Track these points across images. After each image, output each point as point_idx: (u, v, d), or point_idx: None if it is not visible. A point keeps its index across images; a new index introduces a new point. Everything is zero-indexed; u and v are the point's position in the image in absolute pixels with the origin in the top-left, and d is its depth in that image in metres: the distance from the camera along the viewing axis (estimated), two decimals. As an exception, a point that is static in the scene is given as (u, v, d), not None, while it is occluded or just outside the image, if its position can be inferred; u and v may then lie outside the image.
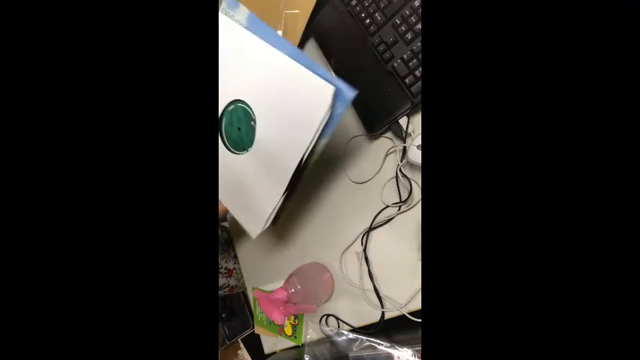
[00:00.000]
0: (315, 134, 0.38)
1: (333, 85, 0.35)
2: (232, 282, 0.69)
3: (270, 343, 0.66)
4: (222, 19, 0.43)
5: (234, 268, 0.70)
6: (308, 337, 0.57)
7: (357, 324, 0.53)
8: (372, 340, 0.49)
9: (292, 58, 0.38)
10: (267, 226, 0.49)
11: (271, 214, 0.47)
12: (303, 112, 0.38)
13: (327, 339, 0.54)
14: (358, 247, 0.53)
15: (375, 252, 0.52)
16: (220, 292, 0.70)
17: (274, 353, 0.65)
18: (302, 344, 0.58)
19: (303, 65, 0.37)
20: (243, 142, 0.47)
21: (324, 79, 0.36)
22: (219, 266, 0.69)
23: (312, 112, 0.37)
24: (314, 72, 0.36)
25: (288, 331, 0.61)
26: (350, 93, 0.36)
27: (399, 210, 0.49)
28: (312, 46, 0.61)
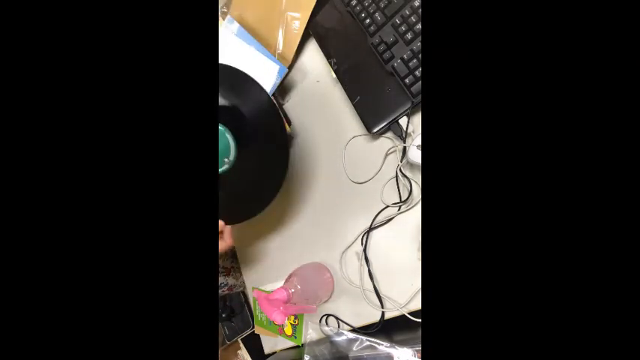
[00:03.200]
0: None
1: (277, 64, 0.59)
2: (230, 281, 0.69)
3: (270, 343, 0.66)
4: (222, 31, 0.62)
5: (233, 267, 0.70)
6: (308, 337, 0.57)
7: (357, 324, 0.53)
8: (372, 340, 0.49)
9: (258, 51, 0.60)
10: None
11: None
12: (260, 79, 0.56)
13: (327, 339, 0.54)
14: (358, 247, 0.53)
15: (375, 252, 0.52)
16: (219, 291, 0.70)
17: (274, 353, 0.65)
18: (302, 344, 0.58)
19: (263, 54, 0.60)
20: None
21: (273, 62, 0.59)
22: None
23: (266, 79, 0.59)
24: (269, 58, 0.60)
25: (288, 331, 0.61)
26: (283, 70, 0.59)
27: (399, 210, 0.49)
28: (312, 46, 0.61)
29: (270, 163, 0.52)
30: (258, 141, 0.51)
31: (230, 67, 0.52)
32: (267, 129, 0.51)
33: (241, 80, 0.52)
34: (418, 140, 0.45)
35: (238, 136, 0.51)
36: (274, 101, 0.52)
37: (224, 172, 0.51)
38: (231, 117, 0.51)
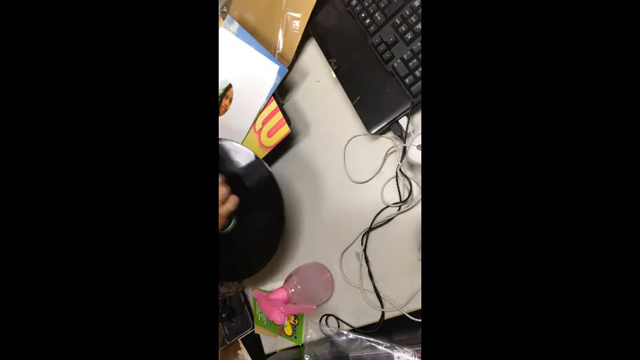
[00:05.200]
0: (267, 94, 0.60)
1: (277, 64, 0.59)
2: (223, 289, 0.70)
3: (270, 343, 0.66)
4: (222, 31, 0.62)
5: None
6: (308, 337, 0.57)
7: (357, 324, 0.53)
8: (372, 340, 0.49)
9: (258, 51, 0.60)
10: None
11: None
12: (260, 79, 0.60)
13: (327, 339, 0.54)
14: (358, 247, 0.53)
15: (375, 252, 0.52)
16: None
17: (274, 353, 0.65)
18: (302, 344, 0.58)
19: (263, 54, 0.59)
20: None
21: (273, 62, 0.59)
22: None
23: (266, 79, 0.59)
24: (268, 58, 0.59)
25: (288, 331, 0.61)
26: (284, 70, 0.58)
27: (399, 210, 0.49)
28: (312, 46, 0.61)
29: (266, 231, 0.55)
30: (256, 211, 0.53)
31: (232, 142, 0.56)
32: (266, 199, 0.54)
33: (242, 155, 0.55)
34: (418, 140, 0.45)
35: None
36: (272, 172, 0.54)
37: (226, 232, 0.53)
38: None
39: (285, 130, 0.57)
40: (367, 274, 0.51)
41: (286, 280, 0.50)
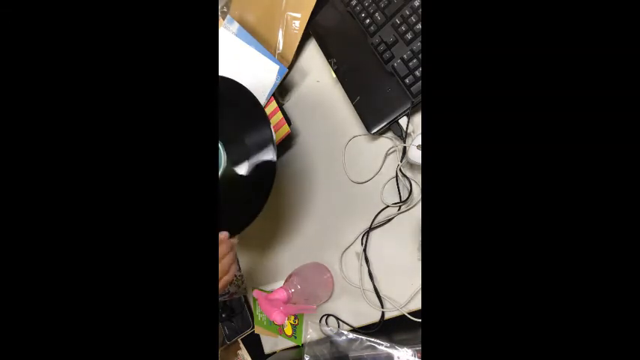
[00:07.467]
0: (267, 94, 0.61)
1: (277, 64, 0.60)
2: (232, 289, 0.70)
3: (270, 343, 0.66)
4: (222, 31, 0.62)
5: (235, 276, 0.70)
6: (308, 337, 0.57)
7: (357, 324, 0.53)
8: (372, 340, 0.49)
9: (258, 51, 0.61)
10: None
11: None
12: (260, 79, 0.61)
13: (327, 339, 0.54)
14: (358, 247, 0.53)
15: (375, 252, 0.52)
16: (220, 299, 0.70)
17: (274, 353, 0.65)
18: (302, 344, 0.58)
19: (263, 54, 0.61)
20: None
21: (273, 62, 0.60)
22: None
23: (266, 79, 0.61)
24: (268, 58, 0.61)
25: (288, 331, 0.61)
26: (284, 70, 0.60)
27: (399, 210, 0.49)
28: (312, 46, 0.61)
29: (258, 174, 0.49)
30: (246, 149, 0.50)
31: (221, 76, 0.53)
32: (257, 137, 0.50)
33: (228, 87, 0.52)
34: (418, 140, 0.45)
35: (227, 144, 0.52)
36: (262, 107, 0.50)
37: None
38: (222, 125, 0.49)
39: (285, 130, 0.57)
40: (367, 274, 0.51)
41: (286, 280, 0.50)
